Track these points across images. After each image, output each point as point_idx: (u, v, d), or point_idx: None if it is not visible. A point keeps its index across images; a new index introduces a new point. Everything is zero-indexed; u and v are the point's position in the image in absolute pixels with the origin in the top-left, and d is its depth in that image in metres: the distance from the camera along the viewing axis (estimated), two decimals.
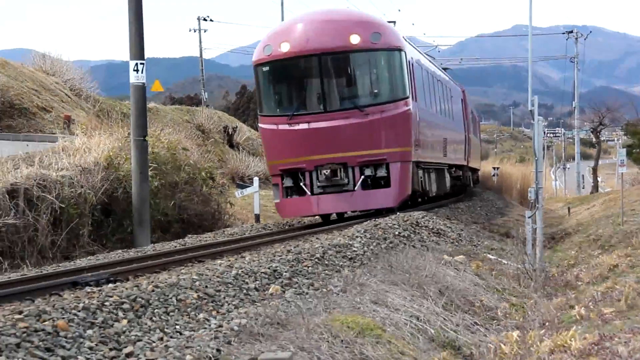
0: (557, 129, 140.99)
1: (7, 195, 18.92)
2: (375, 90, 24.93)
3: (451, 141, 35.49)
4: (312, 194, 23.75)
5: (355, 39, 23.77)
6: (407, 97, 24.52)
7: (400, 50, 24.64)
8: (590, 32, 74.33)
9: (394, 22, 31.69)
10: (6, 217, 17.95)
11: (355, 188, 23.43)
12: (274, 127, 24.42)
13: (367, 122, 23.61)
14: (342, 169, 23.52)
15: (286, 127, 24.01)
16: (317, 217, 27.88)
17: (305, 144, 23.69)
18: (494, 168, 62.59)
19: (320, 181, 23.56)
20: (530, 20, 25.19)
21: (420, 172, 26.70)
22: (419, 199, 31.07)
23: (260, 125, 25.79)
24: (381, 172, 23.69)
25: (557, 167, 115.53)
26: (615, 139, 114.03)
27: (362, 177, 23.51)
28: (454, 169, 37.71)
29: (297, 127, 23.85)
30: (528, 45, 25.82)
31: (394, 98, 24.38)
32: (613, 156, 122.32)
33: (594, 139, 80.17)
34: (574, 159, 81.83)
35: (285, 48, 23.87)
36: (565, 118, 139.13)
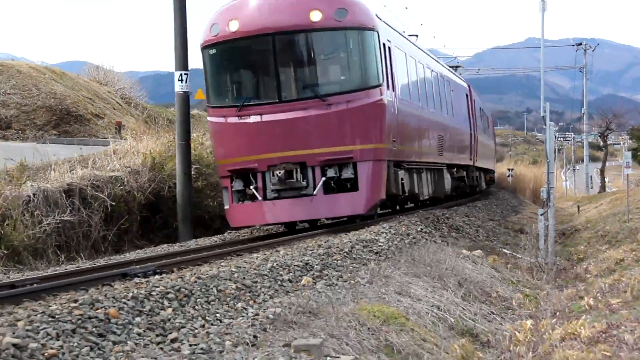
0: (567, 133, 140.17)
1: (63, 194, 19.06)
2: (341, 77, 19.79)
3: (451, 139, 30.01)
4: (265, 199, 18.73)
5: (316, 16, 18.87)
6: (380, 85, 19.23)
7: (371, 29, 19.40)
8: (598, 44, 73.58)
9: (417, 35, 31.59)
10: (63, 214, 18.06)
11: (315, 192, 18.34)
12: (221, 120, 19.33)
13: (330, 113, 18.61)
14: (299, 170, 18.47)
15: (235, 120, 19.00)
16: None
17: (257, 140, 18.75)
18: (509, 169, 62.29)
19: (273, 184, 18.59)
20: (543, 34, 25.17)
21: (402, 172, 21.19)
22: (410, 203, 26.26)
23: (208, 118, 20.54)
24: (347, 173, 18.62)
25: (567, 168, 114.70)
26: (621, 142, 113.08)
27: (323, 178, 18.50)
28: (455, 169, 31.89)
29: (247, 120, 18.86)
30: (540, 56, 25.83)
31: (363, 86, 19.08)
32: (619, 158, 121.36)
33: (601, 143, 79.70)
34: (583, 161, 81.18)
35: (234, 27, 19.02)
36: (574, 123, 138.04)
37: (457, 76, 36.15)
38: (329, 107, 18.53)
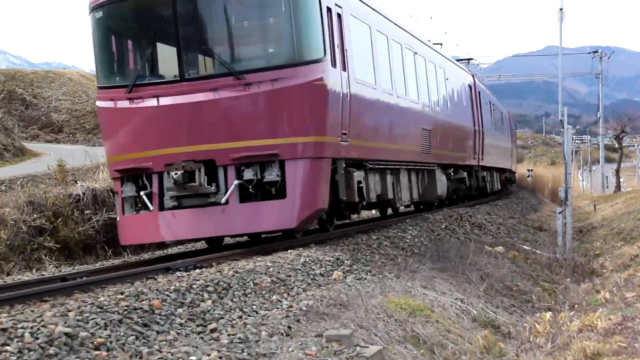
0: (584, 136, 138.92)
1: (111, 193, 19.20)
2: (265, 48, 14.57)
3: (445, 135, 24.35)
4: (162, 209, 13.60)
5: None
6: (321, 61, 13.81)
7: None
8: (613, 52, 73.03)
9: (441, 44, 31.42)
10: (110, 212, 18.16)
11: (224, 199, 13.21)
12: (110, 104, 14.16)
13: (248, 96, 13.26)
14: (203, 170, 13.22)
15: (125, 104, 13.81)
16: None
17: (152, 131, 13.57)
18: (529, 170, 61.95)
19: (169, 189, 13.42)
20: (561, 42, 24.95)
21: (360, 174, 15.80)
22: (390, 213, 23.08)
23: (96, 102, 15.09)
24: (271, 175, 13.24)
25: (584, 169, 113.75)
26: (636, 144, 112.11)
27: (237, 182, 13.17)
28: (452, 169, 26.43)
29: (140, 104, 13.65)
30: (559, 63, 25.61)
31: (295, 60, 13.61)
32: (633, 160, 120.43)
33: (616, 145, 79.08)
34: (599, 162, 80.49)
35: None
36: (591, 126, 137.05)
37: (456, 65, 30.08)
38: (248, 87, 13.31)
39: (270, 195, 13.36)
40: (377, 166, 17.22)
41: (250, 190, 13.30)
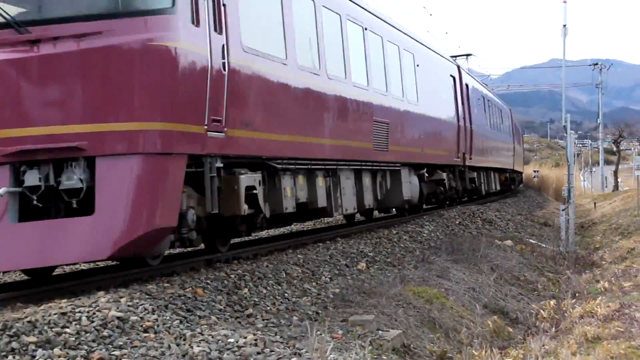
0: (585, 140, 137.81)
1: None
2: None
3: (414, 130, 19.00)
4: None
5: None
6: (165, 13, 8.79)
7: None
8: (612, 64, 72.34)
9: (455, 57, 31.19)
10: None
11: None
12: None
13: (35, 59, 8.50)
14: None
15: None
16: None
17: None
18: (535, 171, 61.60)
19: None
20: (564, 56, 24.86)
21: (248, 177, 10.68)
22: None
23: None
24: (71, 180, 8.40)
25: (585, 170, 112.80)
26: (632, 148, 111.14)
27: (11, 189, 8.35)
28: (424, 169, 20.57)
29: None
30: (562, 75, 25.48)
31: (119, 9, 8.72)
32: (630, 162, 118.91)
33: (614, 149, 78.50)
34: (598, 164, 79.83)
35: None
36: (591, 132, 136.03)
37: (435, 52, 23.17)
38: (36, 46, 8.49)
39: (72, 211, 8.45)
40: (293, 166, 12.15)
41: (36, 202, 8.42)
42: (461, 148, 24.19)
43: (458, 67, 26.22)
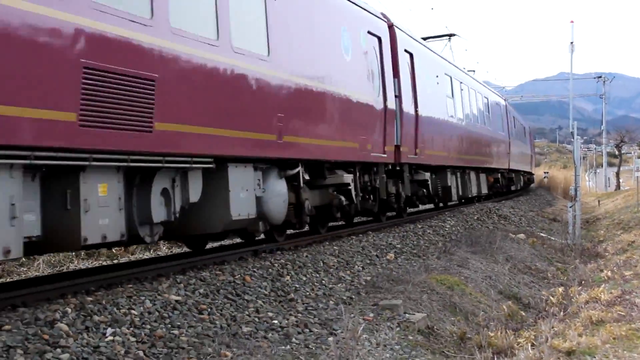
0: (590, 145, 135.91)
1: None
2: None
3: (265, 101, 9.64)
4: None
5: None
6: None
7: None
8: (614, 77, 71.41)
9: (474, 70, 30.88)
10: None
11: None
12: None
13: None
14: None
15: None
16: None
17: None
18: (545, 172, 60.98)
19: None
20: (572, 70, 24.69)
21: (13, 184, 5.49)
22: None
23: None
24: None
25: (590, 172, 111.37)
26: (632, 152, 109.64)
27: None
28: (298, 168, 11.12)
29: None
30: (569, 86, 25.24)
31: None
32: (631, 164, 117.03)
33: (616, 152, 77.56)
34: (602, 166, 78.76)
35: None
36: (596, 137, 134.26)
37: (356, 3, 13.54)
38: None
39: None
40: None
41: None
42: (392, 139, 14.98)
43: (390, 25, 15.44)
